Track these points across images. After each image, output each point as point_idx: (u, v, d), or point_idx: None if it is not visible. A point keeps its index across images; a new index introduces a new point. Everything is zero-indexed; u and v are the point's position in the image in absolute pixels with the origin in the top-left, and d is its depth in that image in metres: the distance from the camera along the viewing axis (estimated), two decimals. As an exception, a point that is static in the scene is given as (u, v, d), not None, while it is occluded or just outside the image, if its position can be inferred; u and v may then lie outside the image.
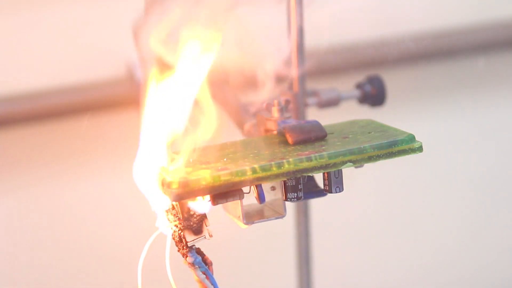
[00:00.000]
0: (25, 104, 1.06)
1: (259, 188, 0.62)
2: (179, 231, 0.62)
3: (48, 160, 1.03)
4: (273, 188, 0.65)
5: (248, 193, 0.63)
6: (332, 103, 0.71)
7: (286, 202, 0.65)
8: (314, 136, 0.65)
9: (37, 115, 1.05)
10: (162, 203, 0.63)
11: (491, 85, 1.02)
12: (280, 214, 0.65)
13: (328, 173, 0.64)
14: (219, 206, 0.64)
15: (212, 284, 0.62)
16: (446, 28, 0.95)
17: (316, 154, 0.63)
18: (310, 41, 0.83)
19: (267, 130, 0.68)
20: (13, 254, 1.06)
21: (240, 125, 0.71)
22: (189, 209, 0.62)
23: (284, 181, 0.63)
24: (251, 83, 0.86)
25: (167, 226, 0.63)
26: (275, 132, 0.67)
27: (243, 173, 0.61)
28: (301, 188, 0.64)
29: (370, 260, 1.08)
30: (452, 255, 1.10)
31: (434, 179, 1.01)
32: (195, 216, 0.62)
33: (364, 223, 1.04)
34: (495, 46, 0.99)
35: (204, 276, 0.62)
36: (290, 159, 0.62)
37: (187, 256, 0.62)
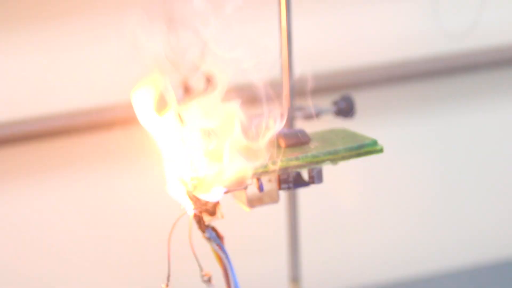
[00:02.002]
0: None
1: (259, 180, 0.68)
2: (199, 214, 0.67)
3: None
4: (270, 180, 0.70)
5: (251, 184, 0.68)
6: (314, 116, 0.76)
7: (280, 191, 0.70)
8: (301, 141, 0.70)
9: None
10: (185, 195, 0.67)
11: (443, 104, 1.06)
12: (275, 201, 0.70)
13: (311, 169, 0.69)
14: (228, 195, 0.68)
15: (224, 254, 0.67)
16: (402, 58, 1.02)
17: (302, 155, 0.68)
18: (298, 68, 0.84)
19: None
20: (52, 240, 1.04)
21: (244, 132, 0.72)
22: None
23: (278, 175, 0.69)
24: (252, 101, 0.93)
25: (190, 210, 0.67)
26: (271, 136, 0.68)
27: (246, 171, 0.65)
28: (291, 180, 0.70)
29: (351, 237, 1.12)
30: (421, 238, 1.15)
31: (392, 173, 1.07)
32: (210, 202, 0.66)
33: (342, 207, 1.08)
34: (451, 72, 1.04)
35: (218, 247, 0.67)
36: (283, 159, 0.67)
37: (204, 232, 0.67)
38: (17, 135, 0.98)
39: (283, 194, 0.71)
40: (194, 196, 0.67)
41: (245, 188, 0.69)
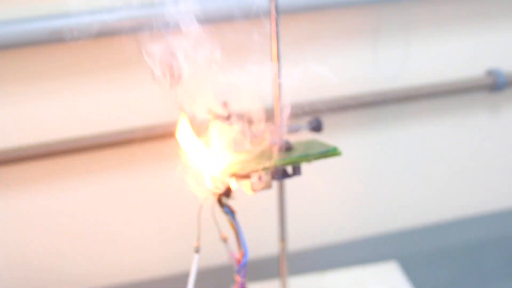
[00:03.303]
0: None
1: (259, 173, 0.70)
2: (219, 196, 0.69)
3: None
4: (266, 173, 0.71)
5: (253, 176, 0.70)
6: (296, 131, 0.78)
7: (273, 181, 0.72)
8: (286, 147, 0.72)
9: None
10: (211, 183, 0.69)
11: (379, 125, 1.07)
12: (269, 187, 0.71)
13: (293, 166, 0.72)
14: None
15: (236, 223, 0.69)
16: (353, 93, 1.02)
17: (287, 157, 0.70)
18: (285, 100, 0.85)
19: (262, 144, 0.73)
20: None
21: (248, 142, 0.76)
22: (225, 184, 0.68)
23: (272, 170, 0.71)
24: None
25: (213, 192, 0.69)
26: (267, 145, 0.73)
27: (251, 167, 0.69)
28: (280, 173, 0.72)
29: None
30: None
31: (344, 167, 1.07)
32: (227, 187, 0.68)
33: (312, 189, 1.08)
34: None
35: (232, 218, 0.69)
36: (274, 160, 0.70)
37: (223, 208, 0.69)
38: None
39: (274, 183, 0.72)
40: (218, 182, 0.69)
41: (249, 178, 0.71)
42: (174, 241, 1.04)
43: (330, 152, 0.72)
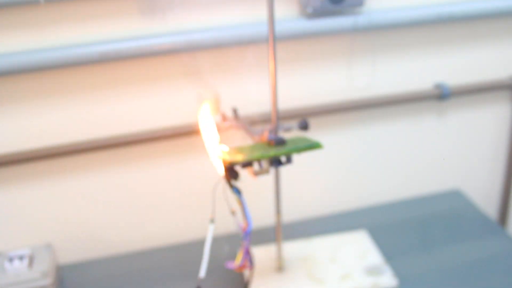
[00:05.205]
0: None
1: (260, 162, 0.71)
2: (228, 179, 0.68)
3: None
4: (266, 162, 0.72)
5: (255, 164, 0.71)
6: (288, 129, 0.77)
7: (270, 167, 0.72)
8: (281, 142, 0.71)
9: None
10: (222, 168, 0.68)
11: (354, 125, 1.06)
12: (268, 172, 0.72)
13: (286, 156, 0.72)
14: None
15: (242, 199, 0.68)
16: (332, 101, 1.02)
17: (281, 150, 0.70)
18: (280, 105, 0.90)
19: (262, 139, 0.74)
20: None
21: (252, 137, 0.77)
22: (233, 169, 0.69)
23: (270, 159, 0.71)
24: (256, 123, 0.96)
25: (223, 176, 0.68)
26: (266, 140, 0.73)
27: (254, 156, 0.68)
28: (276, 161, 0.72)
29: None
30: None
31: (325, 154, 1.06)
32: (235, 172, 0.68)
33: (300, 173, 1.08)
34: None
35: (239, 196, 0.68)
36: (271, 151, 0.69)
37: (232, 188, 0.69)
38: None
39: (272, 169, 0.72)
40: (228, 168, 0.68)
41: (252, 166, 0.71)
42: (194, 214, 1.05)
43: (314, 146, 0.71)
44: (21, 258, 0.91)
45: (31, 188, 0.97)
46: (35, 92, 0.90)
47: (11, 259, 0.90)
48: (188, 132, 0.96)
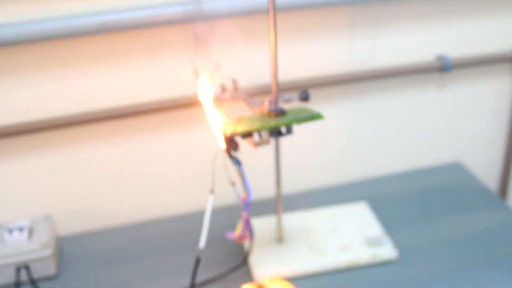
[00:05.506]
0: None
1: (260, 132, 0.70)
2: (228, 150, 0.69)
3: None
4: (266, 132, 0.71)
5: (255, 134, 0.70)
6: (288, 100, 0.77)
7: (270, 138, 0.71)
8: (281, 113, 0.71)
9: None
10: (222, 139, 0.68)
11: (355, 96, 1.06)
12: (268, 143, 0.71)
13: (287, 126, 0.71)
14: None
15: (242, 170, 0.69)
16: (334, 72, 1.01)
17: (282, 120, 0.69)
18: (280, 77, 0.86)
19: (262, 110, 0.74)
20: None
21: (252, 108, 0.77)
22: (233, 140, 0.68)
23: (270, 130, 0.70)
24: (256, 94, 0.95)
25: (224, 147, 0.68)
26: (266, 110, 0.72)
27: (254, 127, 0.68)
28: (276, 132, 0.71)
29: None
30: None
31: (325, 125, 1.06)
32: (235, 142, 0.68)
33: (300, 143, 1.08)
34: None
35: (239, 167, 0.69)
36: (272, 121, 0.69)
37: (232, 159, 0.69)
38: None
39: (272, 140, 0.72)
40: (228, 138, 0.68)
41: (252, 136, 0.71)
42: (194, 186, 1.05)
43: (315, 116, 0.71)
44: (20, 229, 0.91)
45: (30, 160, 0.97)
46: (33, 63, 0.89)
47: (10, 231, 0.91)
48: (188, 103, 0.95)
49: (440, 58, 1.08)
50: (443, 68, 1.06)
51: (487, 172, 1.25)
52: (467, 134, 1.20)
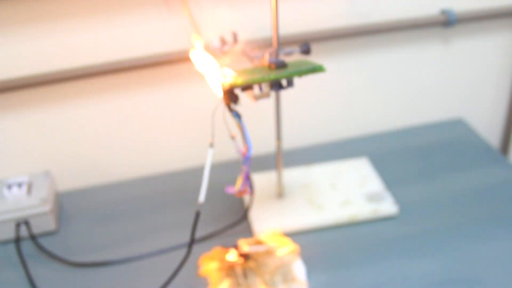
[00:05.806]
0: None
1: (260, 85, 0.69)
2: (228, 103, 0.67)
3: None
4: (266, 85, 0.69)
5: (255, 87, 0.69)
6: (289, 53, 0.76)
7: (271, 91, 0.70)
8: (282, 65, 0.69)
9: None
10: (221, 92, 0.67)
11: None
12: (268, 96, 0.70)
13: (288, 79, 0.69)
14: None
15: (241, 123, 0.67)
16: (337, 26, 1.00)
17: (282, 72, 0.68)
18: (281, 30, 0.85)
19: (262, 63, 0.72)
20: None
21: (252, 61, 0.76)
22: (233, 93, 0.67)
23: (270, 82, 0.69)
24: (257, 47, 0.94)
25: (222, 100, 0.67)
26: (266, 63, 0.71)
27: (254, 79, 0.67)
28: (277, 85, 0.70)
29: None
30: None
31: (327, 78, 1.06)
32: (235, 95, 0.67)
33: (302, 95, 1.08)
34: None
35: (239, 120, 0.67)
36: (272, 74, 0.68)
37: (232, 112, 0.68)
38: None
39: (272, 93, 0.71)
40: (228, 91, 0.67)
41: (252, 89, 0.69)
42: (193, 141, 1.05)
43: (317, 69, 0.69)
44: (19, 185, 0.91)
45: (28, 116, 0.97)
46: (29, 17, 0.88)
47: (9, 186, 0.91)
48: (186, 57, 0.92)
49: (444, 12, 1.06)
50: (447, 22, 1.05)
51: (489, 128, 1.25)
52: (470, 90, 1.19)
